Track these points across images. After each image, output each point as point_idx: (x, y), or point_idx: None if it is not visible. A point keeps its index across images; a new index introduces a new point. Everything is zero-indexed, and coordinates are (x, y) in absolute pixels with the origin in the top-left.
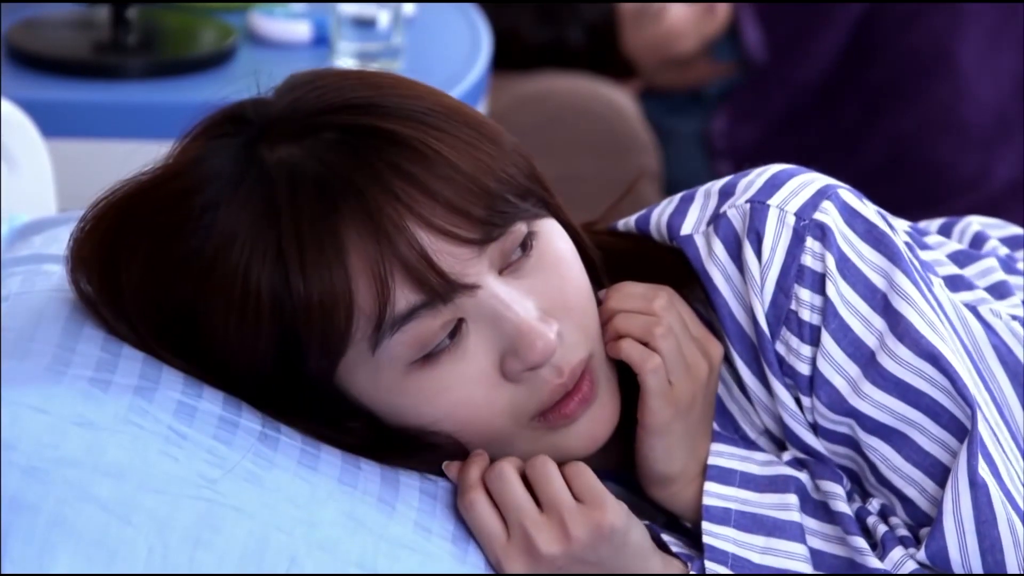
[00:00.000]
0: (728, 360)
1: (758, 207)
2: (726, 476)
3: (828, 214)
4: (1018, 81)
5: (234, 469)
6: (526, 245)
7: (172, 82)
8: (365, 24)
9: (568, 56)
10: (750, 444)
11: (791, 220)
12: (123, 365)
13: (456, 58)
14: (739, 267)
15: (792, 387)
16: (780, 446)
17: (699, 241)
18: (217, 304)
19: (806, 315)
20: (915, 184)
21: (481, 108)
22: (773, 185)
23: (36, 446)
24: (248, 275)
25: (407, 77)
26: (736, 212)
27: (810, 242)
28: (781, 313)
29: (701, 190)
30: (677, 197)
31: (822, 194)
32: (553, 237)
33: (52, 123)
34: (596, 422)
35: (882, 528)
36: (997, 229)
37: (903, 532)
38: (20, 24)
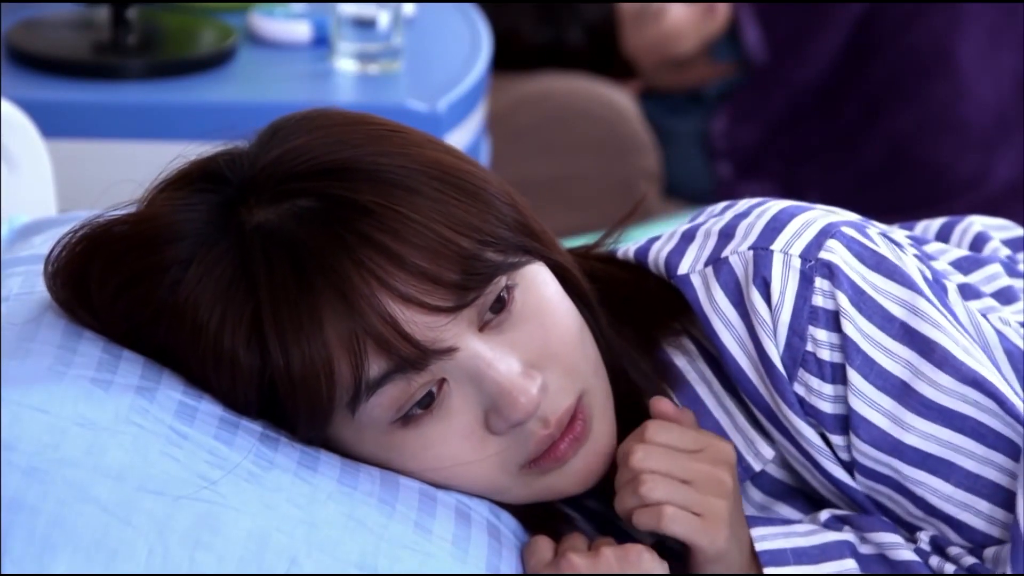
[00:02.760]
0: (732, 391)
1: (762, 254)
2: (779, 558)
3: (834, 252)
4: (1018, 81)
5: (235, 470)
6: (507, 296)
7: (172, 82)
8: (365, 24)
9: (568, 57)
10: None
11: (796, 263)
12: (124, 365)
13: (456, 58)
14: (740, 313)
15: (816, 425)
16: (788, 467)
17: (696, 281)
18: (193, 359)
19: (825, 355)
20: (915, 184)
21: (481, 108)
22: (774, 228)
23: (37, 446)
24: (221, 340)
25: (394, 125)
26: (739, 259)
27: (819, 282)
28: (797, 355)
29: (701, 229)
30: (678, 234)
31: (825, 233)
32: (536, 284)
33: (52, 123)
34: (590, 458)
35: (949, 568)
36: (999, 231)
37: (969, 559)
38: (20, 24)
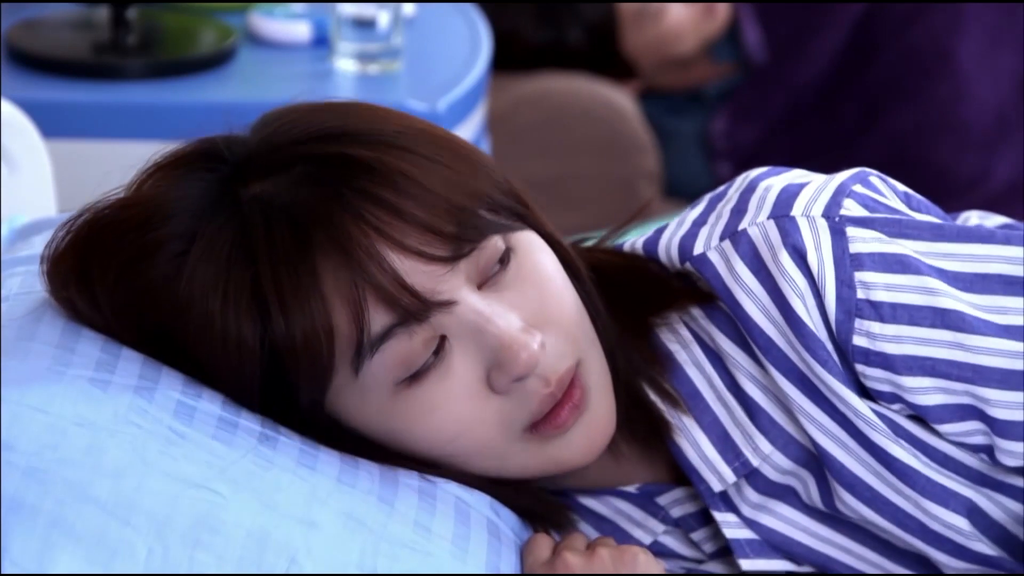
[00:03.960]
0: (735, 381)
1: (784, 221)
2: None
3: (852, 211)
4: (1018, 81)
5: (233, 469)
6: (504, 260)
7: (172, 83)
8: (365, 25)
9: (568, 57)
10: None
11: (822, 222)
12: (122, 365)
13: (456, 58)
14: (762, 280)
15: (863, 380)
16: (800, 460)
17: (714, 257)
18: (197, 339)
19: (879, 295)
20: (915, 184)
21: (481, 109)
22: (789, 197)
23: (36, 446)
24: (227, 316)
25: (378, 104)
26: (758, 230)
27: (851, 231)
28: (850, 306)
29: (712, 213)
30: (688, 220)
31: (840, 193)
32: (533, 250)
33: (52, 124)
34: (591, 430)
35: None
36: (994, 222)
37: None
38: (20, 24)
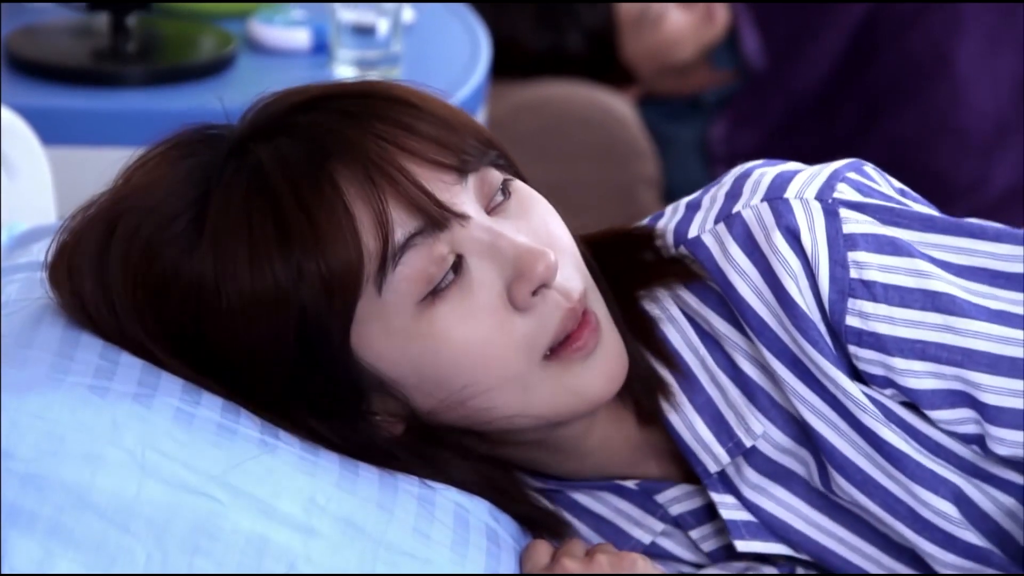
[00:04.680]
0: (732, 362)
1: (778, 203)
2: None
3: (846, 194)
4: (1017, 86)
5: (232, 475)
6: (505, 191)
7: (171, 90)
8: (364, 31)
9: (567, 63)
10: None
11: (816, 204)
12: (121, 372)
13: (455, 65)
14: (755, 261)
15: (854, 362)
16: (799, 439)
17: (708, 240)
18: (225, 308)
19: (871, 275)
20: (914, 189)
21: (481, 115)
22: (783, 181)
23: (35, 453)
24: (256, 263)
25: None
26: (751, 212)
27: (844, 212)
28: (844, 286)
29: (706, 197)
30: (682, 205)
31: (835, 178)
32: (531, 194)
33: (51, 130)
34: (609, 356)
35: None
36: None
37: None
38: (19, 31)
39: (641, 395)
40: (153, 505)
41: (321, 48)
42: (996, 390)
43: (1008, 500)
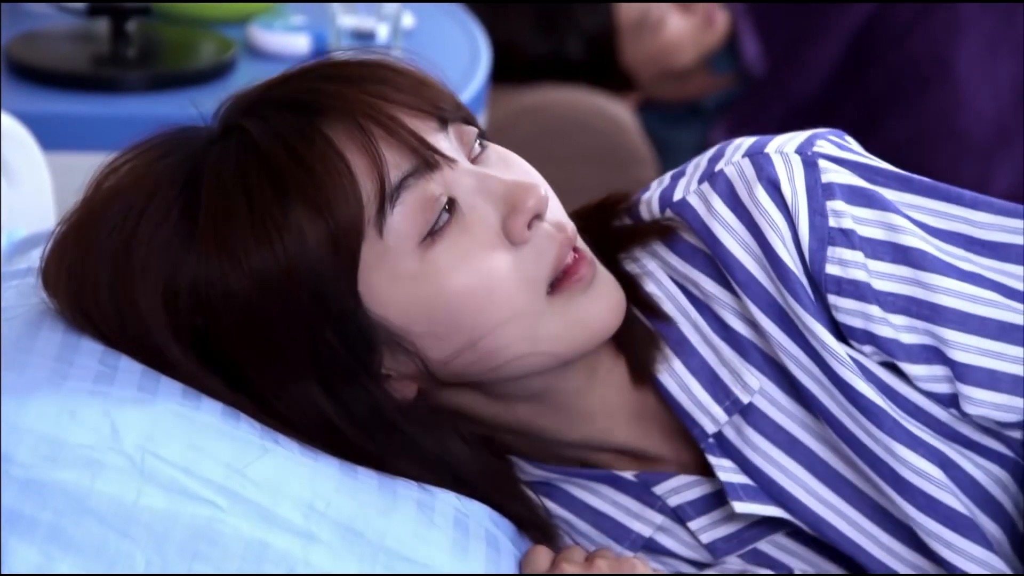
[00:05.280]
0: (723, 323)
1: (759, 157)
2: None
3: (825, 148)
4: (1017, 90)
5: (232, 480)
6: (482, 144)
7: (171, 95)
8: (364, 36)
9: (567, 68)
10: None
11: (796, 157)
12: (121, 377)
13: (455, 70)
14: (739, 215)
15: (836, 313)
16: (789, 395)
17: (694, 200)
18: (237, 293)
19: (848, 223)
20: None
21: (481, 120)
22: (764, 141)
23: (34, 458)
24: (261, 230)
25: None
26: (733, 168)
27: (823, 163)
28: (823, 234)
29: (691, 165)
30: (668, 176)
31: (814, 136)
32: (508, 153)
33: (52, 136)
34: (608, 286)
35: None
36: None
37: None
38: (20, 37)
39: (634, 348)
40: (152, 511)
41: (321, 53)
42: (964, 347)
43: (997, 470)
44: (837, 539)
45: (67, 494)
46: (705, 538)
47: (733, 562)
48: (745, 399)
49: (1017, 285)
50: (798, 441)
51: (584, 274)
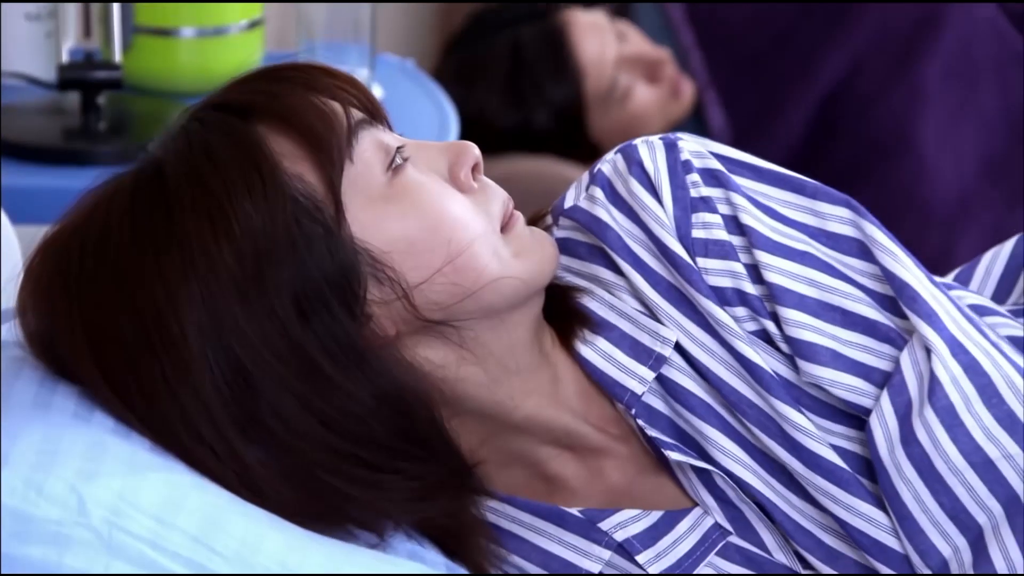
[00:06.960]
0: (635, 289)
1: (627, 148)
2: None
3: (686, 138)
4: (979, 160)
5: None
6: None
7: None
8: None
9: (536, 140)
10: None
11: (658, 142)
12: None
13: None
14: (623, 211)
15: (729, 277)
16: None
17: (584, 204)
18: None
19: (704, 191)
20: None
21: None
22: (633, 142)
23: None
24: (259, 198)
25: None
26: (609, 165)
27: (683, 143)
28: (686, 204)
29: (579, 177)
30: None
31: (675, 136)
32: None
33: (22, 209)
34: (545, 235)
35: None
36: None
37: None
38: None
39: (570, 321)
40: (137, 543)
41: None
42: (786, 321)
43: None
44: (763, 501)
45: (36, 568)
46: (653, 570)
47: None
48: (667, 351)
49: (842, 268)
50: (711, 407)
51: (522, 222)
